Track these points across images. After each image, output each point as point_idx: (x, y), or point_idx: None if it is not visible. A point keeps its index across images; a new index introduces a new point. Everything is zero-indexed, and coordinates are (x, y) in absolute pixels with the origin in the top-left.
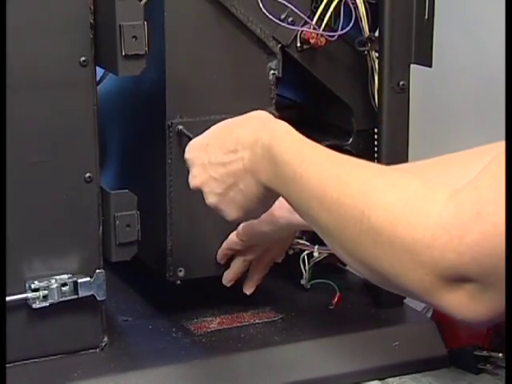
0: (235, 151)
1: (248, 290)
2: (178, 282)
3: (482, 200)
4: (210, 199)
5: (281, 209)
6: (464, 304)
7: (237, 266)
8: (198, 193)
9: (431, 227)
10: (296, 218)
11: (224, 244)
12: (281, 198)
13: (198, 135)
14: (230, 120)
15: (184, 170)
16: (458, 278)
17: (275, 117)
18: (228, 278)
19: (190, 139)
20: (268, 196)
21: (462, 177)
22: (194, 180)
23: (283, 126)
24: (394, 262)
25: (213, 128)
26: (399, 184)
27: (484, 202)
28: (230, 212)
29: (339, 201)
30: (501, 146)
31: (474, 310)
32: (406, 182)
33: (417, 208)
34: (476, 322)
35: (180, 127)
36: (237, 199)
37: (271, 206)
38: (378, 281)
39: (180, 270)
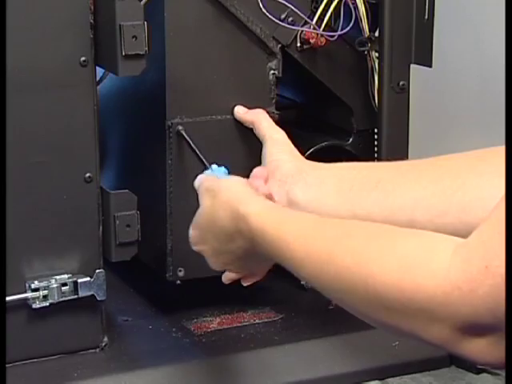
0: (231, 240)
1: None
2: (178, 281)
3: (488, 253)
4: (237, 272)
5: None
6: (485, 352)
7: None
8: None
9: (441, 285)
10: None
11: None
12: None
13: (197, 136)
14: (205, 211)
15: (184, 170)
16: (475, 329)
17: (275, 117)
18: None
19: (189, 143)
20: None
21: (457, 186)
22: (216, 266)
23: (253, 207)
24: (410, 322)
25: (198, 222)
26: (396, 247)
27: (491, 256)
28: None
29: (339, 275)
30: (499, 152)
31: (495, 356)
32: (402, 243)
33: (420, 269)
34: (498, 367)
35: (180, 127)
36: (254, 266)
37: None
38: (394, 333)
39: (180, 270)
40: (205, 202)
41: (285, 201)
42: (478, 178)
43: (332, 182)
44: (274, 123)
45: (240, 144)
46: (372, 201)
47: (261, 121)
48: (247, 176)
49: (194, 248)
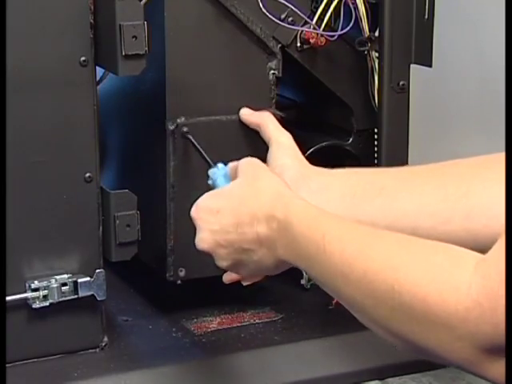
0: (250, 224)
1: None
2: (179, 281)
3: None
4: (220, 263)
5: None
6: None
7: None
8: (198, 192)
9: (463, 300)
10: None
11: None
12: None
13: (196, 135)
14: (242, 189)
15: (184, 169)
16: (496, 349)
17: (277, 117)
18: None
19: (192, 142)
20: (284, 266)
21: (461, 194)
22: (202, 244)
23: (298, 200)
24: (431, 337)
25: (225, 194)
26: (424, 257)
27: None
28: (243, 273)
29: (366, 277)
30: (503, 158)
31: None
32: (431, 254)
33: (445, 282)
34: None
35: (184, 129)
36: (250, 267)
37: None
38: (415, 351)
39: (181, 270)
40: (244, 179)
41: None
42: (481, 184)
43: (336, 187)
44: (280, 126)
45: (239, 143)
46: (376, 207)
47: (267, 123)
48: None
49: (205, 231)
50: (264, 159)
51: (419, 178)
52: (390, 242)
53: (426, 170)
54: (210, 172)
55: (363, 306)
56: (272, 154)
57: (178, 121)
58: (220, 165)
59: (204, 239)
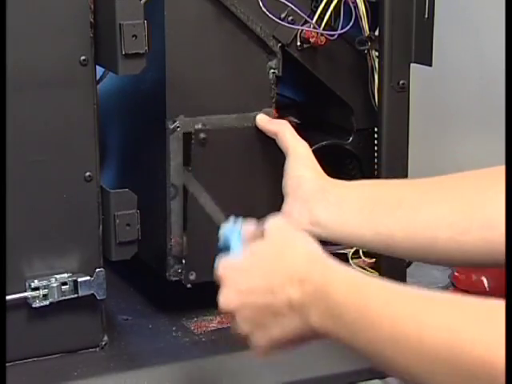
0: (282, 286)
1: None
2: (189, 285)
3: None
4: (242, 327)
5: None
6: None
7: None
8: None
9: None
10: None
11: None
12: None
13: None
14: (274, 244)
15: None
16: None
17: (293, 124)
18: None
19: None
20: (310, 338)
21: (478, 204)
22: (226, 303)
23: (336, 265)
24: None
25: (256, 251)
26: (478, 316)
27: None
28: (261, 342)
29: (423, 343)
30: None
31: None
32: (485, 312)
33: (500, 340)
34: None
35: (201, 135)
36: (272, 333)
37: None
38: None
39: (191, 274)
40: (275, 239)
41: (307, 219)
42: (495, 195)
43: (353, 200)
44: (296, 135)
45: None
46: (395, 219)
47: (284, 132)
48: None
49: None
50: (274, 163)
51: (435, 189)
52: (439, 303)
53: (443, 181)
54: (225, 229)
55: (419, 373)
56: (290, 164)
57: (178, 120)
58: (234, 221)
59: (229, 299)
